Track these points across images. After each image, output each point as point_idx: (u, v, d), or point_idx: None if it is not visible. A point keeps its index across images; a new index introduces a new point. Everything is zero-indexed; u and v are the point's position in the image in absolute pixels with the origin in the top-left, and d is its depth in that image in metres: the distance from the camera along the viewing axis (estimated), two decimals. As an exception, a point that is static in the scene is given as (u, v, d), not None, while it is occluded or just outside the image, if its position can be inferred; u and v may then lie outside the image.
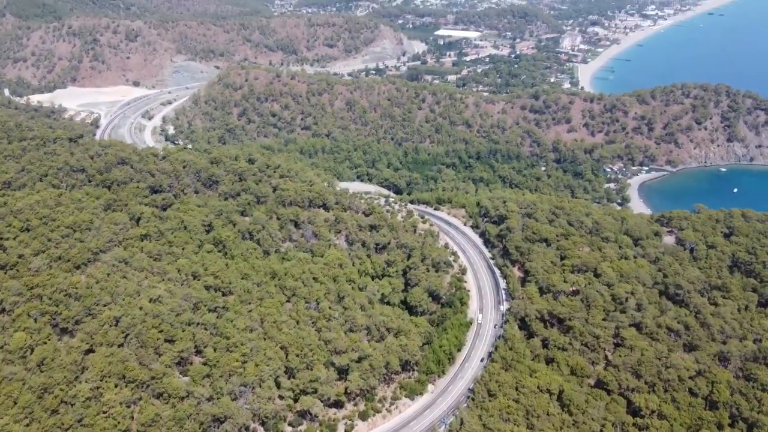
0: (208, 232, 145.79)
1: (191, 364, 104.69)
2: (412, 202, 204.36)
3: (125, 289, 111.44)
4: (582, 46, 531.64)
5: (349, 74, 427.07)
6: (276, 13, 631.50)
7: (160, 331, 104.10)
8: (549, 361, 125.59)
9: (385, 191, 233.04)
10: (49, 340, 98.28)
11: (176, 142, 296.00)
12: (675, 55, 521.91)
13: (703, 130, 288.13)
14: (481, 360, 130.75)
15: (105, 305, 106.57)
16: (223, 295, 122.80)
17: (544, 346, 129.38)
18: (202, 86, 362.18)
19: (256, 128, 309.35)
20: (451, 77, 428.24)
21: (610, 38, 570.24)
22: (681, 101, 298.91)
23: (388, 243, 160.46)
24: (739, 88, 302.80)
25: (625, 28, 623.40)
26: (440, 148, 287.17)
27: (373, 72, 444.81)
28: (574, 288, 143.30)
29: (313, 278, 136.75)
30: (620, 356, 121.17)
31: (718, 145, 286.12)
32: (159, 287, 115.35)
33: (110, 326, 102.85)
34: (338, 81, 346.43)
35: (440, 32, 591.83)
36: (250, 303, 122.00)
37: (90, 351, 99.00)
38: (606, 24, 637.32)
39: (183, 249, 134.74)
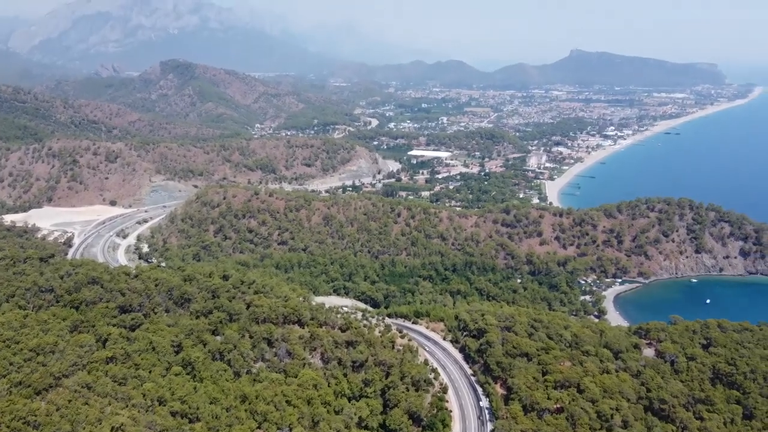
0: (177, 352, 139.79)
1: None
2: (389, 315, 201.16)
3: (86, 416, 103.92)
4: (548, 164, 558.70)
5: (327, 191, 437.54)
6: (256, 136, 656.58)
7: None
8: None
9: (362, 305, 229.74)
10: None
11: (150, 260, 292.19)
12: (636, 171, 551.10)
13: (671, 242, 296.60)
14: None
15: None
16: (190, 421, 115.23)
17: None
18: (179, 204, 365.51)
19: (232, 245, 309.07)
20: (425, 193, 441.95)
21: (574, 157, 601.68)
22: (647, 215, 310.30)
23: (366, 360, 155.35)
24: (701, 201, 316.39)
25: (588, 147, 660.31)
26: (417, 260, 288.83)
27: (350, 189, 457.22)
28: (558, 405, 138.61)
29: (286, 401, 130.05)
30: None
31: (687, 257, 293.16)
32: (122, 414, 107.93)
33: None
34: (316, 197, 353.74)
35: (413, 152, 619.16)
36: (218, 430, 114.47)
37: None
38: (569, 144, 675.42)
39: (150, 372, 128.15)
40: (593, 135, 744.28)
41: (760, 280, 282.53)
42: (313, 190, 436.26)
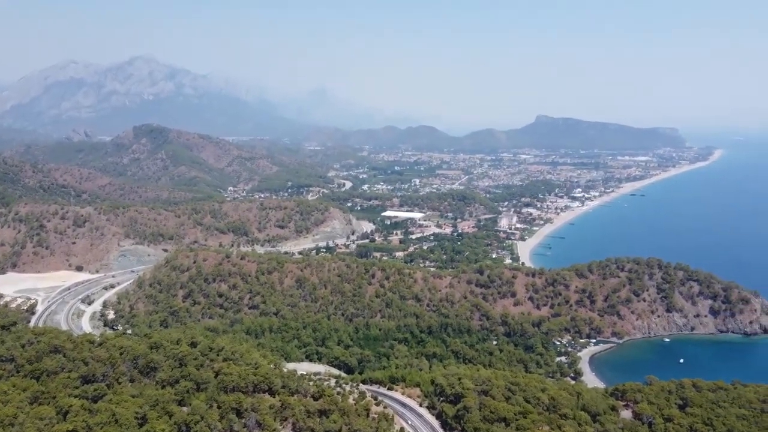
0: (141, 425, 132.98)
1: None
2: (364, 381, 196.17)
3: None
4: (518, 225, 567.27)
5: (300, 253, 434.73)
6: (229, 199, 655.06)
7: None
8: None
9: (336, 371, 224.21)
10: None
11: (115, 327, 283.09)
12: (604, 231, 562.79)
13: (642, 301, 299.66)
14: None
15: None
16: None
17: None
18: (148, 269, 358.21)
19: (201, 310, 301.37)
20: (399, 254, 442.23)
21: (544, 218, 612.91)
22: (617, 274, 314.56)
23: (339, 430, 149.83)
24: (669, 260, 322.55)
25: (557, 208, 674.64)
26: (391, 323, 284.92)
27: (324, 250, 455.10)
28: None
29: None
30: None
31: (658, 316, 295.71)
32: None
33: None
34: (288, 259, 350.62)
35: (387, 213, 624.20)
36: None
37: None
38: (538, 205, 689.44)
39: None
40: (561, 197, 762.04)
41: (732, 338, 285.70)
42: (286, 252, 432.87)
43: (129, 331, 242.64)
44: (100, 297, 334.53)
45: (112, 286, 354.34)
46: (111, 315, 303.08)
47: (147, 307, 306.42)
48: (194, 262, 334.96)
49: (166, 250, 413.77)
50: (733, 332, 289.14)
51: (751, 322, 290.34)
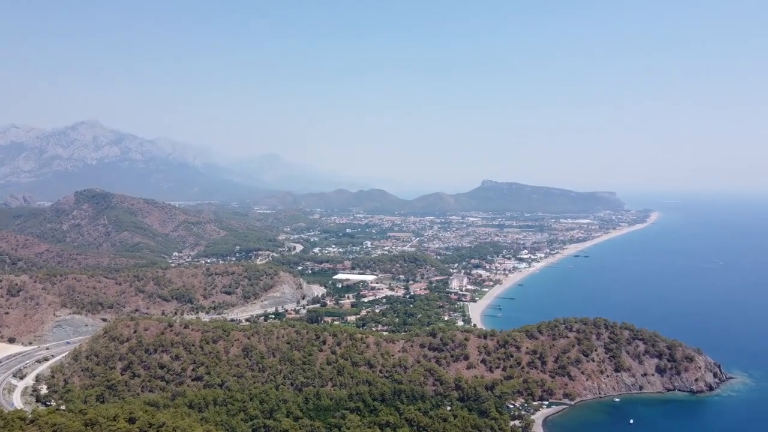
0: None
1: None
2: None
3: None
4: (469, 287, 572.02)
5: (247, 320, 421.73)
6: (173, 265, 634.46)
7: None
8: None
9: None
10: None
11: (48, 403, 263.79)
12: (552, 292, 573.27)
13: (591, 361, 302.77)
14: None
15: None
16: None
17: None
18: (85, 340, 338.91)
19: (141, 382, 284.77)
20: (351, 318, 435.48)
21: (493, 279, 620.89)
22: (566, 335, 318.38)
23: None
24: (615, 320, 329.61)
25: (505, 269, 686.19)
26: (343, 391, 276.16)
27: (273, 316, 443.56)
28: None
29: None
30: None
31: (607, 376, 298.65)
32: None
33: None
34: (235, 327, 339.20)
35: (338, 276, 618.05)
36: None
37: None
38: (487, 267, 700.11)
39: None
40: (509, 258, 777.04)
41: (679, 396, 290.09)
42: (232, 320, 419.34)
43: (63, 407, 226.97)
44: (33, 371, 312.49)
45: (46, 359, 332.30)
46: (44, 390, 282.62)
47: (83, 380, 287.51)
48: (135, 332, 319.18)
49: (105, 320, 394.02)
50: (680, 390, 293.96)
51: (696, 380, 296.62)
